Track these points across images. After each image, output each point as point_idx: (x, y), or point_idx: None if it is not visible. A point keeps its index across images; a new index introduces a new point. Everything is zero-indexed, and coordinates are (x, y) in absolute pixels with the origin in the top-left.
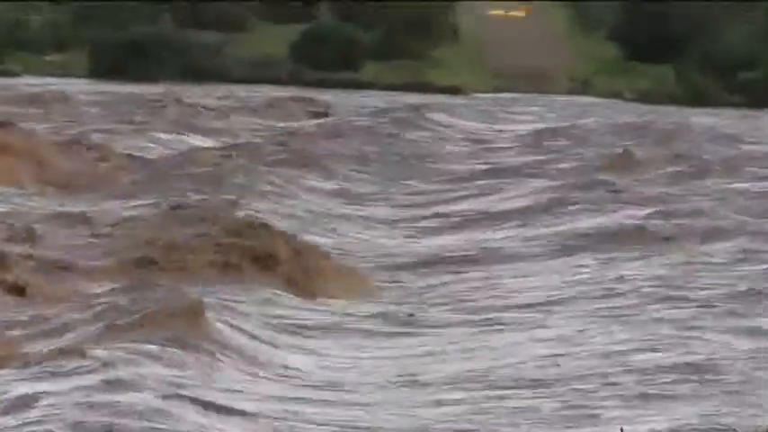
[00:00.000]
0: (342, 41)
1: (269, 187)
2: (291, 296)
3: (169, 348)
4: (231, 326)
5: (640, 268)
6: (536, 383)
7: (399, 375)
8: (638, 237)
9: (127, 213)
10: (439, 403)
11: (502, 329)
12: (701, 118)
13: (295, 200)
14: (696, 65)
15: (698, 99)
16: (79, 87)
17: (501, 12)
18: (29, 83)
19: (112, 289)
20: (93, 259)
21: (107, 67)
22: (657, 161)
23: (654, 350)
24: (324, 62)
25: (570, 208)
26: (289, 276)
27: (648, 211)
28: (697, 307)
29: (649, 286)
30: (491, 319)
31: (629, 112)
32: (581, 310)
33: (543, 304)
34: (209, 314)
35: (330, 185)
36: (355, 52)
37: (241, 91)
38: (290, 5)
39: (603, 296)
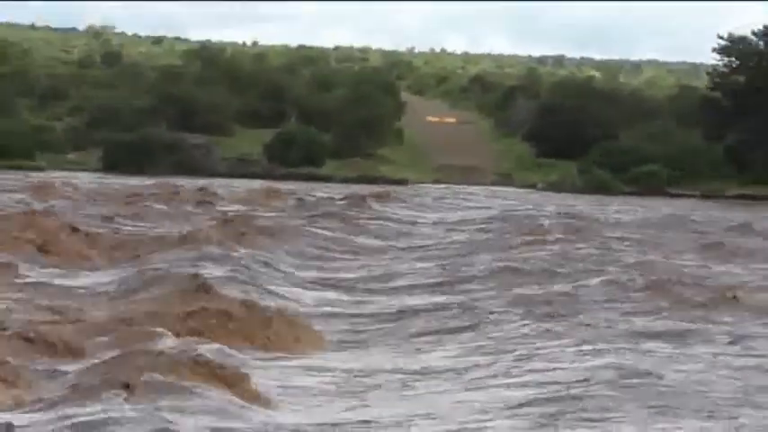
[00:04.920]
0: (306, 142)
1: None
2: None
3: None
4: None
5: None
6: None
7: None
8: None
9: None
10: None
11: None
12: None
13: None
14: (596, 161)
15: (597, 189)
16: (87, 179)
17: (437, 118)
18: (51, 176)
19: None
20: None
21: (115, 163)
22: None
23: None
24: (291, 160)
25: None
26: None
27: None
28: None
29: None
30: None
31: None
32: None
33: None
34: None
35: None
36: (317, 151)
37: (224, 183)
38: (264, 113)
39: None
